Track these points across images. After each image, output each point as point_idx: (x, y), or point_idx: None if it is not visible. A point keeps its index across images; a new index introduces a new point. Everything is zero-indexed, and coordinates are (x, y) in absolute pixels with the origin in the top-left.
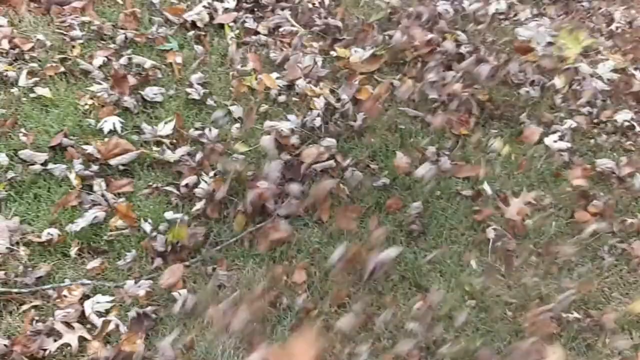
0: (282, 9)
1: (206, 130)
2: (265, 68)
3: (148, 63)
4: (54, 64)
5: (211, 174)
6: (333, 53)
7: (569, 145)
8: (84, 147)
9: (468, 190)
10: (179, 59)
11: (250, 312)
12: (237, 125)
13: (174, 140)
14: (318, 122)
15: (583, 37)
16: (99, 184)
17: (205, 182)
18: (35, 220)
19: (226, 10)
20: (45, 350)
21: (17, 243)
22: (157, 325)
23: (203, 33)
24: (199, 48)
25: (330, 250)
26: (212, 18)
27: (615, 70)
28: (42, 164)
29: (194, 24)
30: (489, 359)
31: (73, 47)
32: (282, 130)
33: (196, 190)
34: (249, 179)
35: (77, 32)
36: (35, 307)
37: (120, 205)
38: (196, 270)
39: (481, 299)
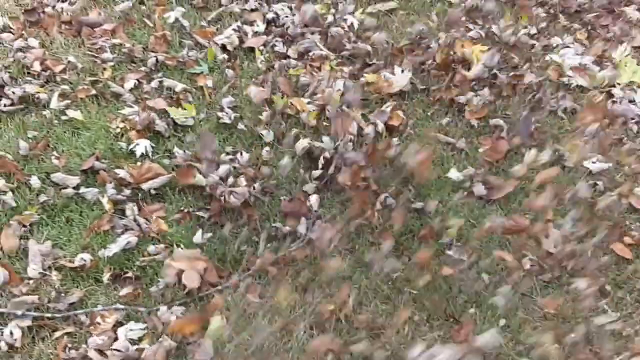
0: (312, 33)
1: (237, 155)
2: (296, 92)
3: (179, 86)
4: (85, 87)
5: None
6: (362, 79)
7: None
8: (116, 170)
9: (503, 219)
10: (209, 83)
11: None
12: (267, 148)
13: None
14: (350, 146)
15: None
16: (131, 209)
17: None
18: (67, 245)
19: (256, 33)
20: None
21: (50, 268)
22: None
23: (233, 56)
24: (229, 72)
25: (359, 279)
26: (241, 41)
27: None
28: (74, 188)
29: (224, 47)
30: None
31: (104, 69)
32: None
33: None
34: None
35: (108, 55)
36: (68, 333)
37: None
38: (228, 297)
39: (518, 330)
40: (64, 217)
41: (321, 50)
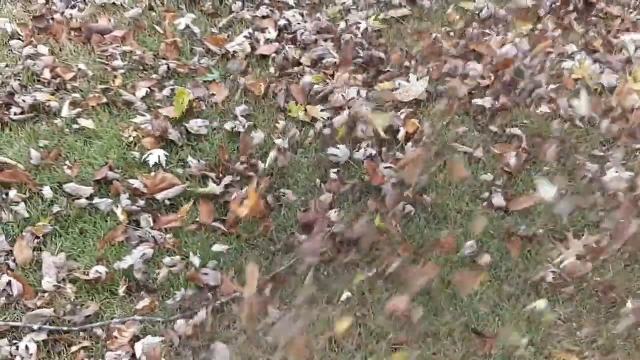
0: (325, 40)
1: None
2: (309, 100)
3: (191, 95)
4: (96, 95)
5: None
6: (377, 87)
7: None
8: (130, 181)
9: (523, 230)
10: (222, 91)
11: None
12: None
13: (220, 175)
14: (370, 151)
15: None
16: (146, 220)
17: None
18: (82, 257)
19: (268, 41)
20: None
21: (64, 280)
22: None
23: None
24: (242, 80)
25: (381, 291)
26: (253, 49)
27: None
28: (87, 198)
29: (235, 55)
30: None
31: (115, 77)
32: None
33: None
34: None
35: (118, 62)
36: (84, 348)
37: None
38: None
39: (541, 345)
40: (78, 229)
41: (334, 57)
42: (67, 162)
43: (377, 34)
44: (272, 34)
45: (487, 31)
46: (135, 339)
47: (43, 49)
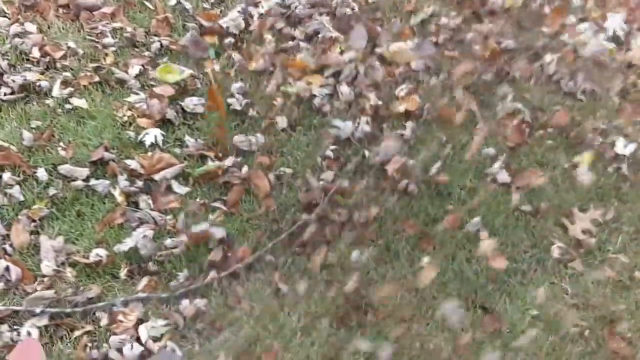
0: (320, 14)
1: (252, 140)
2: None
3: (186, 72)
4: (87, 73)
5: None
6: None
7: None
8: (127, 161)
9: (527, 206)
10: (217, 68)
11: None
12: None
13: (219, 154)
14: (367, 128)
15: None
16: (145, 201)
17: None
18: (80, 239)
19: (261, 16)
20: None
21: (63, 264)
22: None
23: (239, 40)
24: (236, 56)
25: (381, 272)
26: (247, 24)
27: None
28: (83, 180)
29: (228, 31)
30: None
31: (106, 55)
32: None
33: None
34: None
35: (109, 40)
36: (87, 332)
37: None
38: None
39: (549, 321)
40: (75, 211)
41: (330, 31)
42: (61, 143)
43: (373, 6)
44: (266, 8)
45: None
46: (140, 322)
47: (30, 27)
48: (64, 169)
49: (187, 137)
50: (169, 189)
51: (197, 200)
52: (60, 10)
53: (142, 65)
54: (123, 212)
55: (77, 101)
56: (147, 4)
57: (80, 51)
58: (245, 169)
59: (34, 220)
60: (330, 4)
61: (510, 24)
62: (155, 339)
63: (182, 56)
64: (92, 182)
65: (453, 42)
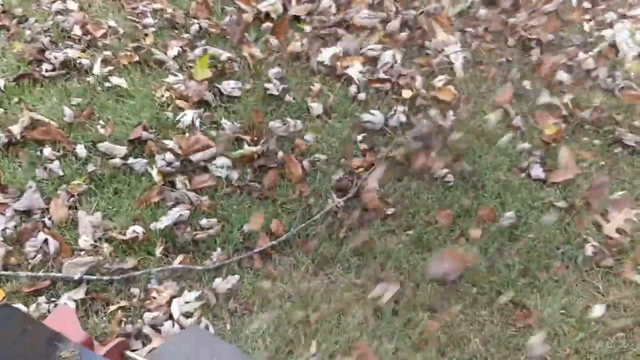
0: (358, 2)
1: (288, 126)
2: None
3: (224, 55)
4: (127, 53)
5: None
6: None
7: None
8: (164, 141)
9: (562, 202)
10: (254, 52)
11: None
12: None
13: (255, 138)
14: (403, 118)
15: None
16: (181, 181)
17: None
18: (117, 216)
19: (300, 1)
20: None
21: (100, 239)
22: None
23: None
24: (274, 41)
25: (417, 259)
26: (285, 9)
27: None
28: (121, 158)
29: (267, 15)
30: None
31: (146, 35)
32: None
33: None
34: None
35: (149, 20)
36: (122, 307)
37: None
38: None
39: (580, 318)
40: (112, 188)
41: (370, 18)
42: (100, 121)
43: None
44: None
45: None
46: (172, 299)
47: (72, 5)
48: (102, 146)
49: (223, 120)
50: (205, 170)
51: (232, 182)
52: None
53: (181, 47)
54: (160, 190)
55: (116, 80)
56: None
57: (121, 30)
58: (280, 154)
59: (72, 196)
60: None
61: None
62: (188, 315)
63: (220, 39)
64: (130, 160)
65: (490, 34)
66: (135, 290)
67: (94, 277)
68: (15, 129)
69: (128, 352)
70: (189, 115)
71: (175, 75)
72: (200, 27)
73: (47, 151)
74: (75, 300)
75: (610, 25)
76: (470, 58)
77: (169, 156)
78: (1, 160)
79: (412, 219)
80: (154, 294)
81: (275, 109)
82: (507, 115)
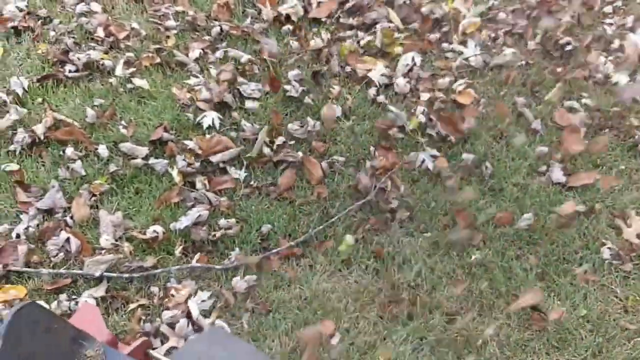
0: (379, 5)
1: (308, 127)
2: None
3: (244, 57)
4: (149, 54)
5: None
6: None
7: None
8: (185, 142)
9: (581, 206)
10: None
11: None
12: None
13: (274, 139)
14: (422, 118)
15: None
16: (201, 182)
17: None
18: (137, 216)
19: (320, 3)
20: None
21: (120, 238)
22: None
23: (298, 27)
24: (294, 43)
25: (435, 262)
26: (306, 12)
27: None
28: (143, 158)
29: (288, 18)
30: None
31: (167, 37)
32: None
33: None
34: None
35: (171, 22)
36: (141, 305)
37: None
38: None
39: (597, 322)
40: (134, 188)
41: (390, 22)
42: (122, 122)
43: None
44: None
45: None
46: (190, 297)
47: (96, 6)
48: (124, 146)
49: (243, 122)
50: (225, 171)
51: (252, 184)
52: None
53: (202, 49)
54: (180, 191)
55: (138, 81)
56: None
57: (143, 32)
58: (299, 155)
59: (94, 195)
60: None
61: (570, 22)
62: (205, 315)
63: (240, 41)
64: (151, 160)
65: (510, 36)
66: (154, 289)
67: (114, 275)
68: (39, 129)
69: (152, 352)
70: (209, 117)
71: (197, 77)
72: (221, 29)
73: (70, 151)
74: (96, 298)
75: (632, 29)
76: (490, 61)
77: (188, 157)
78: (25, 160)
79: (429, 221)
80: (172, 292)
81: (294, 111)
82: (525, 119)
